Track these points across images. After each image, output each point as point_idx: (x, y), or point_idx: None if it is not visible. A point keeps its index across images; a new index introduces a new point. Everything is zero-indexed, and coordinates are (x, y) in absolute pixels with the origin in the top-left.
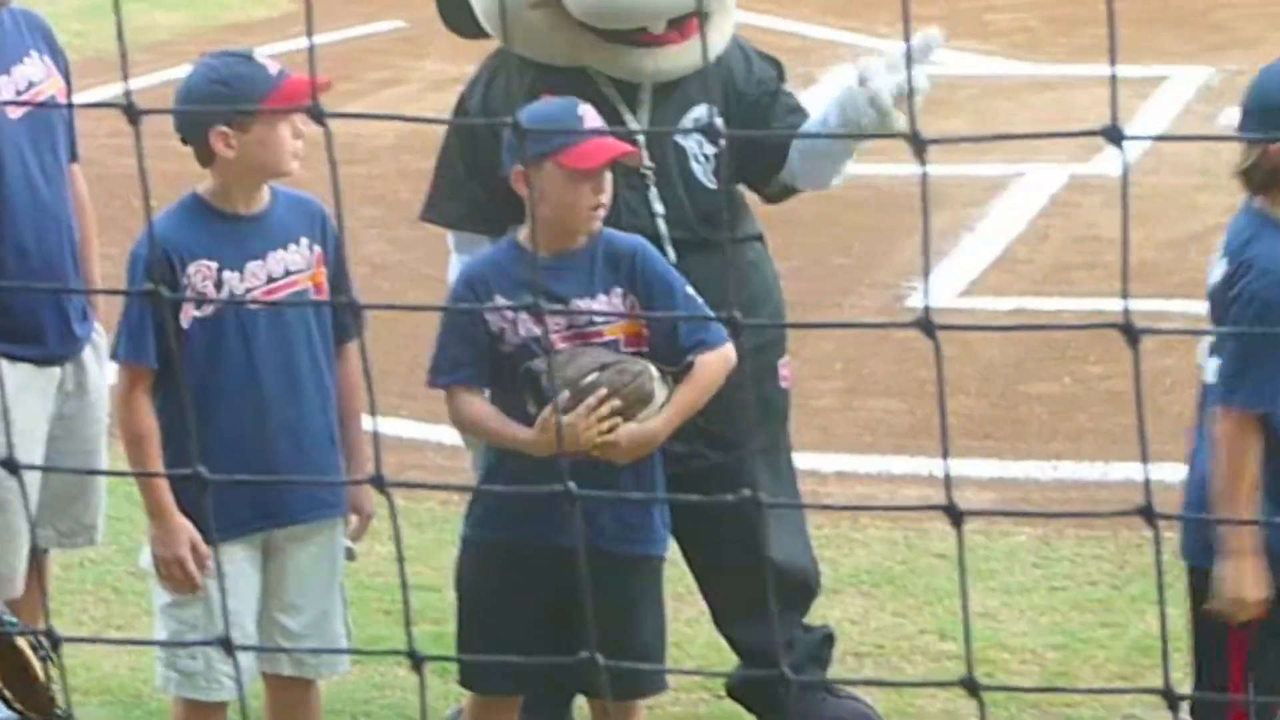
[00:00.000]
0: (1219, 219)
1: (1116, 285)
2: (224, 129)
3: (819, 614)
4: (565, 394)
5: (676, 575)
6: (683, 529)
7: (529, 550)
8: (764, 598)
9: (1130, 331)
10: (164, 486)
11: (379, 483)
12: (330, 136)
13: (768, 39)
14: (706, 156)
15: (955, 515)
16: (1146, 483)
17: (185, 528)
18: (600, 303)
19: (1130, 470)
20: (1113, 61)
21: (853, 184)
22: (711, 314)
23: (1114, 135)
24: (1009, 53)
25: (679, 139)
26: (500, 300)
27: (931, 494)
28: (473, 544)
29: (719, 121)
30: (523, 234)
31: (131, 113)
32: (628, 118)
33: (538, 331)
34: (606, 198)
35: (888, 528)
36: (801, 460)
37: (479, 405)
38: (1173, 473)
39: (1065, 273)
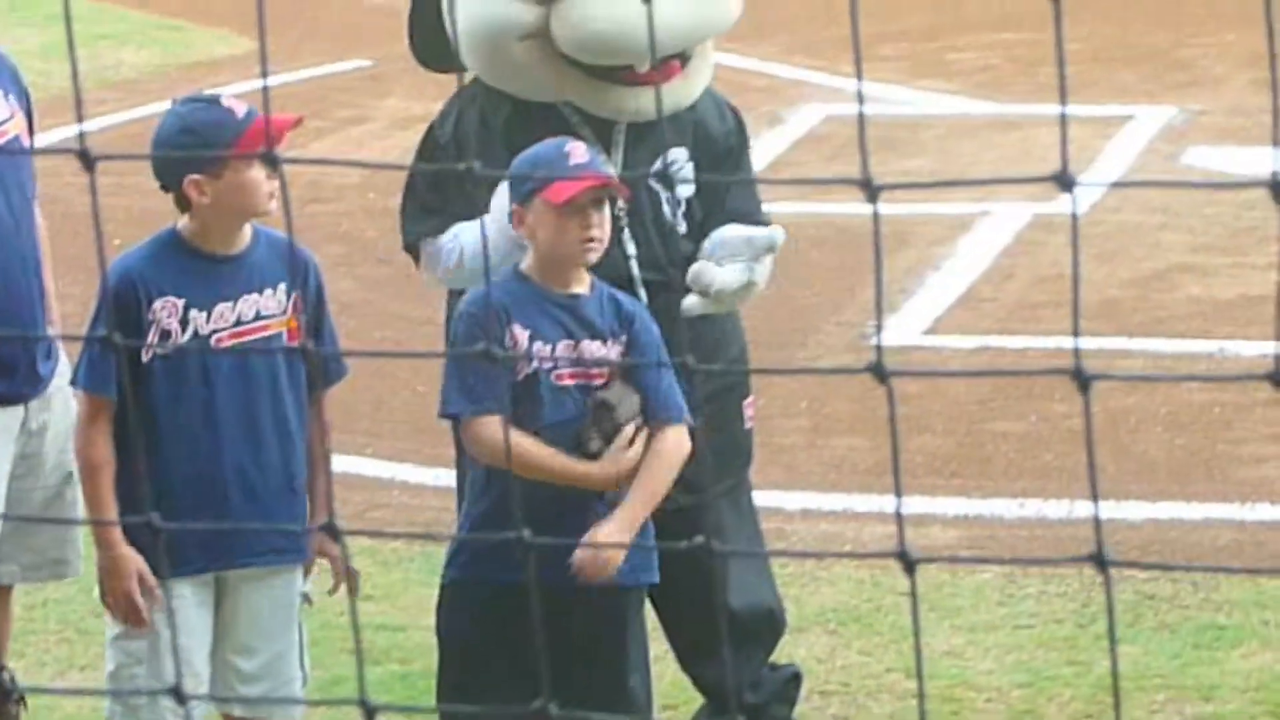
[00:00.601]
0: (1182, 257)
1: (1082, 323)
2: (196, 177)
3: (785, 652)
4: (630, 428)
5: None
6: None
7: (523, 590)
8: (734, 633)
9: (1081, 377)
10: (113, 517)
11: (332, 529)
12: (284, 181)
13: (735, 78)
14: (678, 201)
15: (908, 562)
16: (1097, 528)
17: (132, 559)
18: (609, 347)
19: (1093, 508)
20: (1063, 104)
21: (815, 222)
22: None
23: (1065, 182)
24: (972, 92)
25: (652, 183)
26: (518, 329)
27: (896, 532)
28: (462, 586)
29: (688, 167)
30: (525, 264)
31: (87, 159)
32: (601, 158)
33: (548, 365)
34: (599, 232)
35: (854, 566)
36: (766, 498)
37: (522, 437)
38: (1136, 511)
39: (1030, 311)
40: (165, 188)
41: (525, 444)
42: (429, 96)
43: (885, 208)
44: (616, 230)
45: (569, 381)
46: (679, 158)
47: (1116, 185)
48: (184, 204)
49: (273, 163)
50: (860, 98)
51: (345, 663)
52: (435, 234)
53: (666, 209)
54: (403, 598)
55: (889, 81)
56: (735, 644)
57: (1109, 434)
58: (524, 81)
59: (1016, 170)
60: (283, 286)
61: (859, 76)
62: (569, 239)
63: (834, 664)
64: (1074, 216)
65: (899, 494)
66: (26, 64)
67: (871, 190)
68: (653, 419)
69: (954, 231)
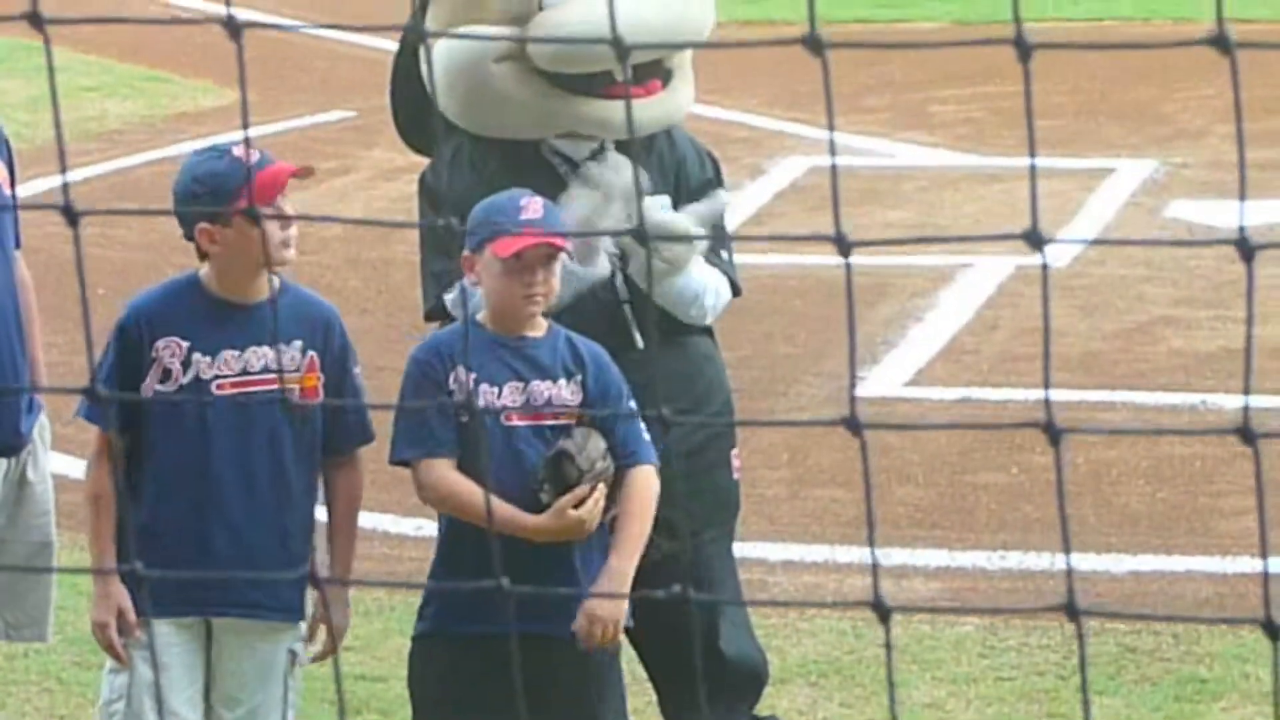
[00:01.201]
0: (1164, 311)
1: (1064, 376)
2: (207, 226)
3: (767, 704)
4: (583, 488)
5: (625, 665)
6: (633, 620)
7: (495, 641)
8: (711, 687)
9: (1052, 431)
10: (108, 550)
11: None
12: (266, 235)
13: (717, 129)
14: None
15: (882, 611)
16: (1069, 577)
17: (116, 595)
18: (559, 387)
19: (1075, 560)
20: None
21: (798, 274)
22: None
23: (1034, 239)
24: (953, 144)
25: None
26: (462, 370)
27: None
28: (431, 639)
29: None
30: (481, 315)
31: (70, 214)
32: (561, 212)
33: (497, 405)
34: (543, 288)
35: (835, 618)
36: (749, 549)
37: (466, 483)
38: (1117, 564)
39: (1012, 363)
40: (187, 236)
41: (470, 491)
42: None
43: (867, 259)
44: (610, 275)
45: (519, 423)
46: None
47: (1085, 242)
48: (201, 253)
49: (254, 219)
50: (833, 149)
51: (326, 713)
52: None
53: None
54: (382, 648)
55: (871, 134)
56: (720, 695)
57: (1091, 486)
58: (506, 113)
59: (998, 222)
60: (298, 343)
61: (831, 128)
62: (512, 292)
63: (815, 715)
64: (1044, 269)
65: (873, 545)
66: (11, 115)
67: (844, 245)
68: (619, 462)
69: (936, 283)
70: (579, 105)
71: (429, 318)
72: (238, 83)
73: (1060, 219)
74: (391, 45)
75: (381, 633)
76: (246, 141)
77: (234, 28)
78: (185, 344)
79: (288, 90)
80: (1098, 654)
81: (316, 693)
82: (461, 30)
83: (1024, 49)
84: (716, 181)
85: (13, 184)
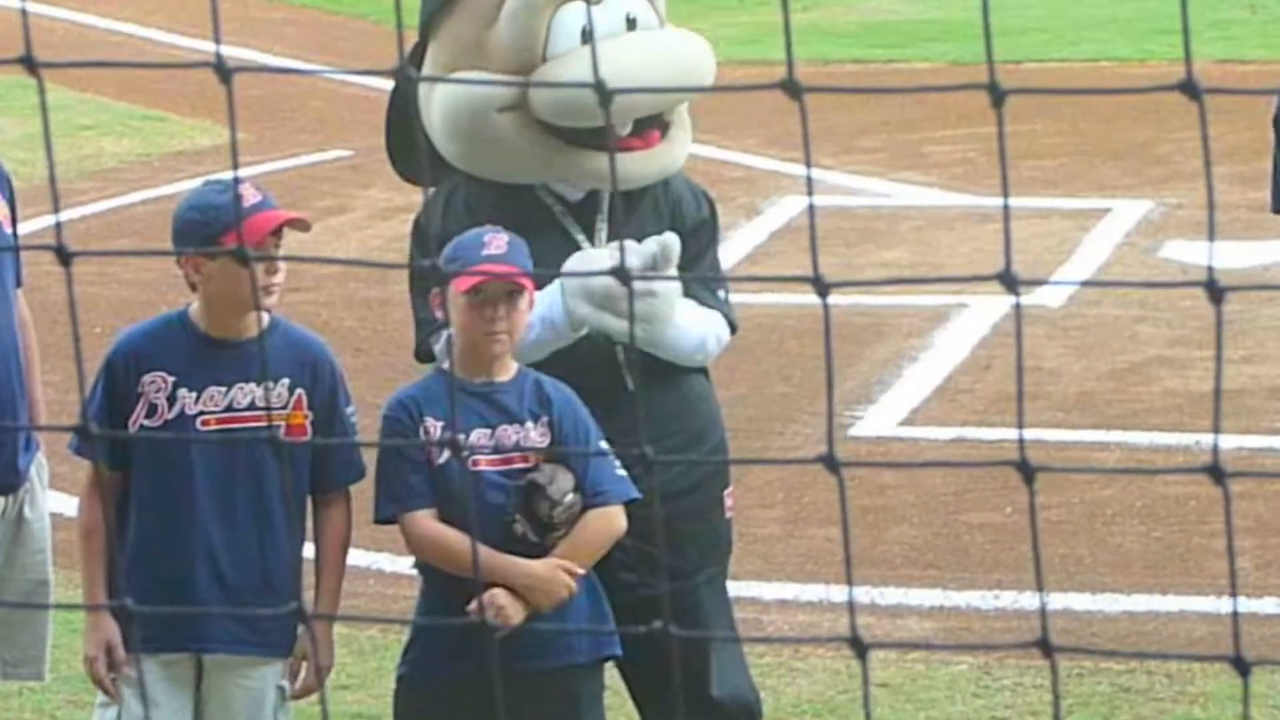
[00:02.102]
0: (1159, 350)
1: (1058, 415)
2: (192, 257)
3: None
4: (562, 509)
5: (617, 703)
6: (624, 658)
7: (478, 682)
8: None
9: (1025, 469)
10: (98, 584)
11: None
12: (255, 278)
13: (712, 169)
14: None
15: (860, 648)
16: (1043, 614)
17: (106, 630)
18: (527, 430)
19: (1070, 600)
20: (1005, 202)
21: (795, 313)
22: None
23: (1009, 281)
24: (948, 184)
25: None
26: (430, 421)
27: (873, 622)
28: (413, 681)
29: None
30: (446, 364)
31: (63, 255)
32: (585, 246)
33: (464, 453)
34: (505, 324)
35: (830, 657)
36: (743, 588)
37: (450, 533)
38: (1112, 604)
39: (1007, 403)
40: (179, 263)
41: (457, 540)
42: (410, 188)
43: (862, 299)
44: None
45: (487, 468)
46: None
47: (1061, 283)
48: (190, 283)
49: (243, 260)
50: (810, 188)
51: None
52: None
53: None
54: (378, 686)
55: (867, 173)
56: None
57: (1086, 526)
58: (505, 160)
59: (993, 261)
60: (285, 381)
61: (808, 163)
62: (475, 329)
63: None
64: (1017, 309)
65: (850, 582)
66: (8, 154)
67: (821, 286)
68: (588, 500)
69: (931, 323)
70: (578, 156)
71: (418, 359)
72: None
73: (1056, 258)
74: (389, 85)
75: (377, 671)
76: (236, 181)
77: (224, 72)
78: (171, 379)
79: (285, 130)
80: (1091, 694)
81: None
82: (456, 76)
83: (998, 94)
84: (712, 221)
85: (14, 222)
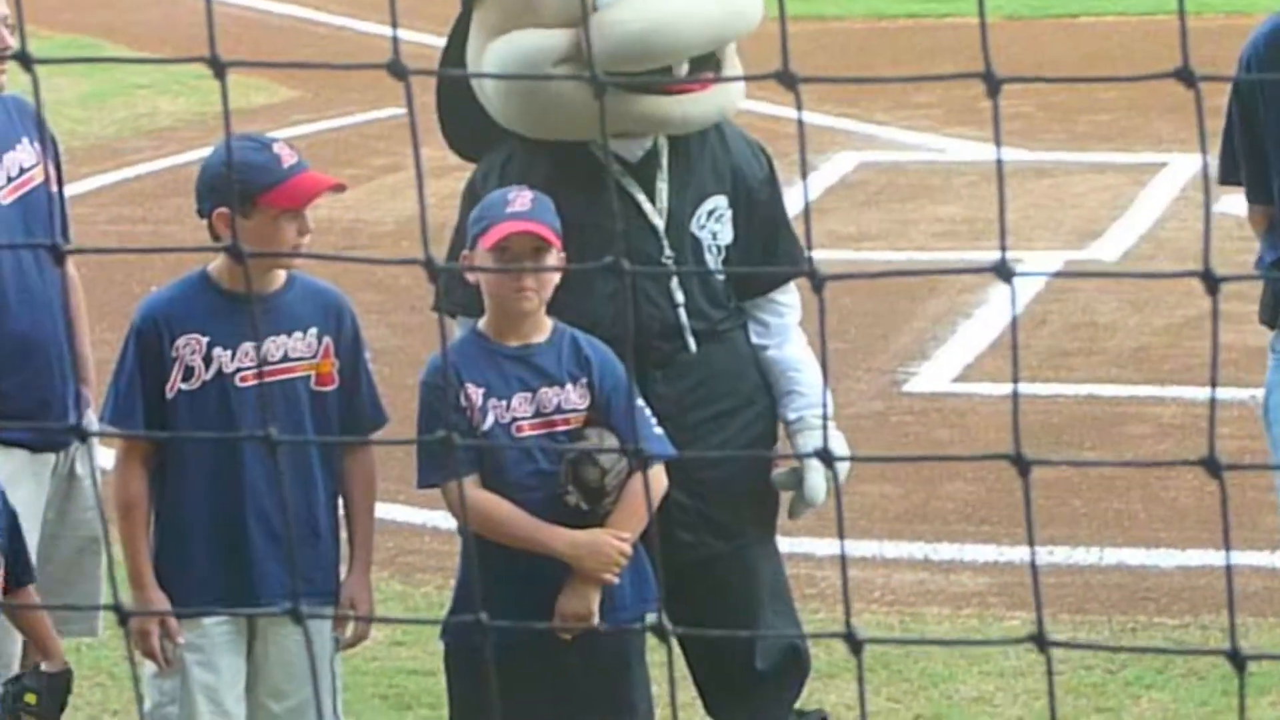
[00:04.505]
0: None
1: (1114, 371)
2: (225, 211)
3: (814, 699)
4: (613, 475)
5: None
6: (673, 615)
7: (517, 648)
8: (753, 680)
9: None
10: (145, 558)
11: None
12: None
13: (766, 125)
14: (720, 248)
15: (854, 643)
16: (1039, 609)
17: (157, 601)
18: (567, 392)
19: (1124, 555)
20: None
21: (849, 269)
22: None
23: (1004, 272)
24: (1004, 140)
25: (694, 230)
26: (471, 387)
27: (926, 577)
28: (458, 651)
29: (728, 214)
30: (483, 322)
31: (56, 252)
32: (646, 207)
33: (505, 419)
34: (532, 280)
35: (884, 612)
36: (796, 544)
37: (494, 501)
38: (1166, 559)
39: (1062, 358)
40: (201, 214)
41: (498, 507)
42: None
43: (917, 255)
44: (665, 279)
45: (530, 433)
46: (719, 205)
47: (1053, 274)
48: (214, 236)
49: (238, 257)
50: (804, 170)
51: (377, 708)
52: (454, 313)
53: (709, 257)
54: (433, 642)
55: (921, 129)
56: (762, 686)
57: (1140, 481)
58: (563, 115)
59: (1047, 215)
60: (314, 330)
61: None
62: (503, 286)
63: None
64: (1012, 297)
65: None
66: (65, 112)
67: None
68: (630, 457)
69: (984, 279)
70: (638, 104)
71: (435, 308)
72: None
73: (1112, 213)
74: (441, 41)
75: (432, 629)
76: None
77: (218, 67)
78: (205, 340)
79: (339, 88)
80: (1143, 649)
81: (366, 688)
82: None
83: (993, 83)
84: (771, 175)
85: (60, 183)
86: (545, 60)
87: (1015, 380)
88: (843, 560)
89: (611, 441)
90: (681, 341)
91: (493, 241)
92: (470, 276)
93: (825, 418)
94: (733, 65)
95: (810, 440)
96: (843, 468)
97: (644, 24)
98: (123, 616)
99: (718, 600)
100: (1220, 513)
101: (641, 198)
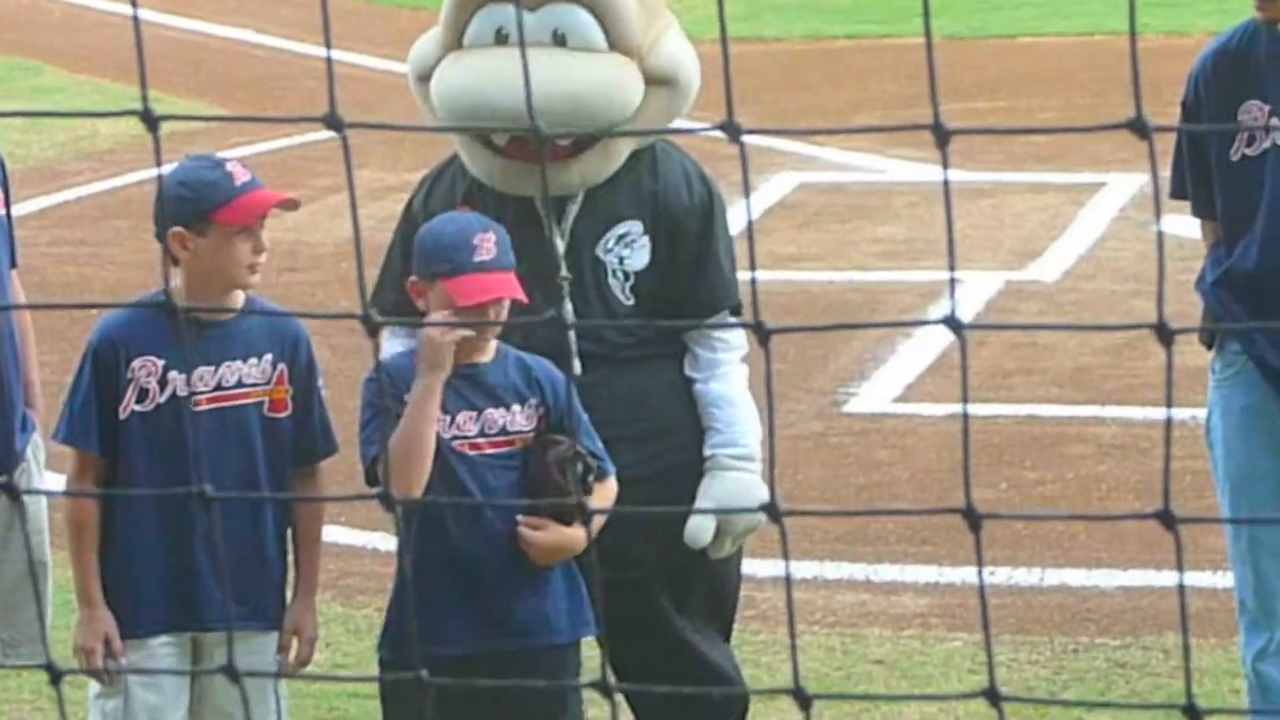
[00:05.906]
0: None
1: (1054, 391)
2: (180, 230)
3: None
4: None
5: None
6: (610, 637)
7: (453, 664)
8: (689, 703)
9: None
10: (93, 576)
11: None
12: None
13: (706, 146)
14: (626, 274)
15: (803, 699)
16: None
17: (103, 620)
18: (514, 414)
19: (1066, 575)
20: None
21: (789, 290)
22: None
23: (953, 323)
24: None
25: (599, 253)
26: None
27: (867, 599)
28: (393, 667)
29: (644, 240)
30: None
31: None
32: (551, 226)
33: (448, 434)
34: (494, 330)
35: (824, 634)
36: None
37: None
38: (1107, 579)
39: (1002, 378)
40: (157, 236)
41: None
42: (403, 167)
43: (857, 276)
44: (559, 299)
45: (471, 452)
46: (633, 230)
47: (998, 327)
48: (171, 257)
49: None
50: (749, 218)
51: None
52: (383, 313)
53: (613, 282)
54: (373, 665)
55: (861, 149)
56: (700, 714)
57: (1081, 501)
58: (461, 148)
59: (987, 235)
60: (269, 356)
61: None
62: (464, 340)
63: None
64: (963, 353)
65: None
66: (6, 135)
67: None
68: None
69: (925, 299)
70: (488, 159)
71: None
72: (230, 103)
73: (1050, 233)
74: (383, 65)
75: (372, 649)
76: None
77: (151, 121)
78: (161, 362)
79: (278, 111)
80: (1087, 669)
81: (307, 710)
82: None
83: (941, 134)
84: (707, 210)
85: (8, 204)
86: (419, 69)
87: (966, 433)
88: (789, 607)
89: (575, 447)
90: (567, 364)
91: (473, 302)
92: (420, 303)
93: (746, 458)
94: (600, 148)
95: (713, 481)
96: (754, 518)
97: (457, 86)
98: (54, 676)
99: (647, 625)
100: (1175, 551)
101: (547, 218)
